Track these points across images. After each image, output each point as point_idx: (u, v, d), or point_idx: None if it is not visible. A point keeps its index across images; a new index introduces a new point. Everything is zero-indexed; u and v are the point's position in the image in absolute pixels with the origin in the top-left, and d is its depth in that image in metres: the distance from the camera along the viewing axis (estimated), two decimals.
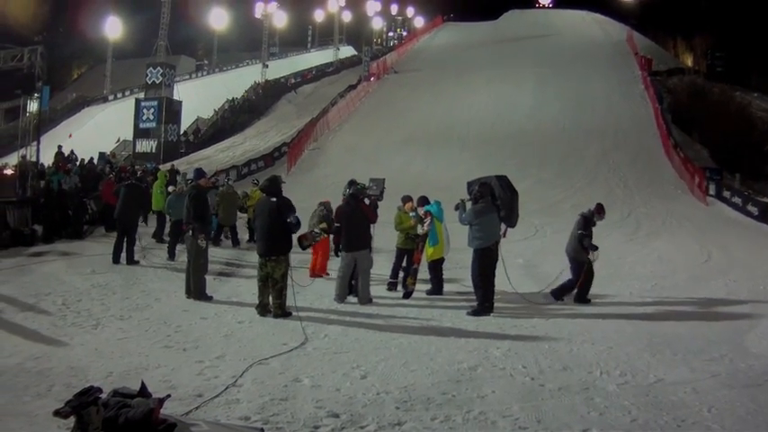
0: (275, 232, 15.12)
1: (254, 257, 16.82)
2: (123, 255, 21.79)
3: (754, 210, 38.27)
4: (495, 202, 16.29)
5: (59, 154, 43.16)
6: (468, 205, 16.74)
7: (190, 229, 17.09)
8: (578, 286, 17.69)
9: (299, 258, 20.41)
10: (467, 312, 15.74)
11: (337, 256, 17.71)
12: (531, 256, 25.32)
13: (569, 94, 67.66)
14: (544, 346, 12.71)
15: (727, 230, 33.26)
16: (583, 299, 17.57)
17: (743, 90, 78.35)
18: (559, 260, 19.33)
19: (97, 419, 6.35)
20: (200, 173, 18.72)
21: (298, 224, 15.16)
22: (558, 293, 17.83)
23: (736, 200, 41.05)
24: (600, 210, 18.34)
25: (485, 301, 15.88)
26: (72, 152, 42.52)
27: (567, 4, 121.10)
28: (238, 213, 27.38)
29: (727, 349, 12.68)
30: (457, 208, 16.97)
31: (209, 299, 16.50)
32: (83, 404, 6.51)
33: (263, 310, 15.19)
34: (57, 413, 6.56)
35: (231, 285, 18.99)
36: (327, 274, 20.77)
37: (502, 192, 16.57)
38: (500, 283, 16.67)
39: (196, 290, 16.62)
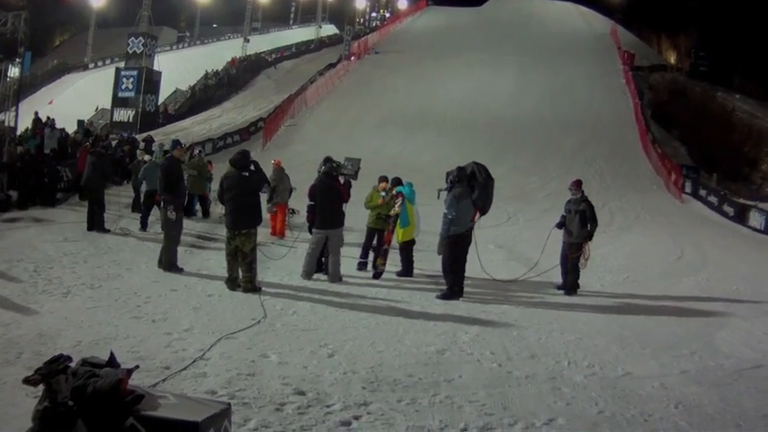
0: (246, 206, 15.27)
1: (224, 229, 16.87)
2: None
3: (729, 210, 38.53)
4: (470, 184, 16.20)
5: (36, 120, 42.93)
6: (443, 195, 16.81)
7: (161, 200, 17.15)
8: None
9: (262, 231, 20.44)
10: (436, 296, 15.69)
11: (310, 233, 17.63)
12: (503, 242, 25.36)
13: (550, 83, 67.85)
14: (513, 333, 12.73)
15: (701, 229, 33.45)
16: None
17: (725, 91, 78.60)
18: (532, 247, 19.39)
19: (66, 388, 6.35)
20: (175, 143, 18.71)
21: (268, 199, 15.59)
22: (571, 286, 17.80)
23: (712, 199, 41.36)
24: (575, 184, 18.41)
25: (454, 285, 15.83)
26: (49, 118, 42.29)
27: None
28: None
29: (697, 346, 12.69)
30: (439, 197, 17.06)
31: (179, 271, 16.44)
32: (52, 372, 6.52)
33: (232, 284, 15.21)
34: (26, 381, 6.57)
35: (201, 258, 18.91)
36: (284, 237, 22.12)
37: (479, 174, 16.59)
38: (471, 268, 16.73)
39: (166, 261, 16.56)
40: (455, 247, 15.91)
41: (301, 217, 23.50)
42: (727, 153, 58.52)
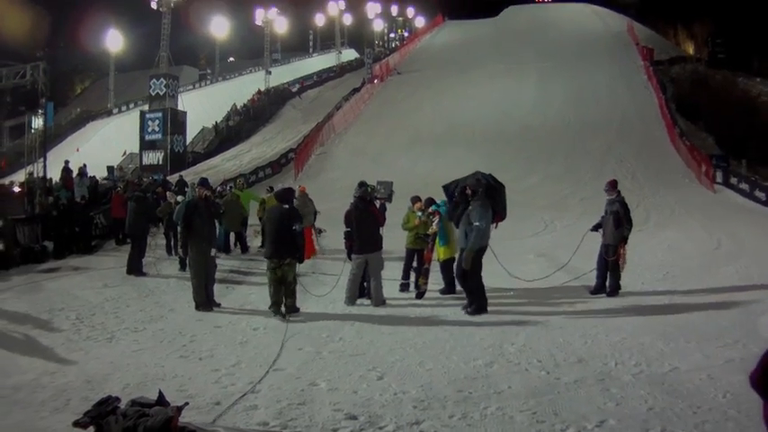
0: (285, 237, 15.76)
1: (264, 263, 16.88)
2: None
3: (761, 195, 38.33)
4: (488, 195, 16.08)
5: (66, 170, 43.12)
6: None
7: (182, 240, 17.29)
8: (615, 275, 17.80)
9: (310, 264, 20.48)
10: (466, 312, 15.61)
11: (350, 259, 17.62)
12: (543, 251, 25.25)
13: (572, 87, 67.53)
14: (558, 340, 12.75)
15: (735, 217, 33.13)
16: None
17: (745, 75, 78.18)
18: (571, 252, 19.27)
19: (116, 429, 6.37)
20: (202, 182, 18.72)
21: (301, 233, 15.79)
22: (613, 288, 17.71)
23: (744, 186, 41.10)
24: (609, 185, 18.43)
25: (482, 297, 15.73)
26: (80, 168, 42.45)
27: None
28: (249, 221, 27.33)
29: (740, 334, 12.75)
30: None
31: (210, 309, 16.55)
32: (102, 414, 6.54)
33: (276, 307, 15.79)
34: (76, 424, 6.58)
35: (242, 293, 18.98)
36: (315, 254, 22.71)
37: (493, 182, 16.53)
38: (516, 280, 16.74)
39: (196, 300, 16.67)
40: (478, 259, 15.71)
41: (331, 239, 23.57)
42: (755, 137, 58.16)
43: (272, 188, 29.01)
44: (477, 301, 15.64)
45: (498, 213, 16.34)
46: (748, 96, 69.14)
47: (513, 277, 17.74)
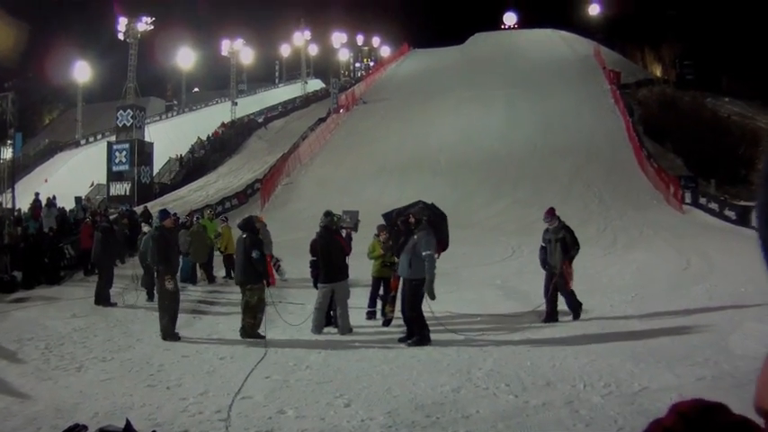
0: (248, 263, 16.33)
1: (230, 293, 17.02)
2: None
3: (731, 214, 38.62)
4: (431, 224, 16.07)
5: (36, 201, 43.04)
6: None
7: (156, 270, 17.31)
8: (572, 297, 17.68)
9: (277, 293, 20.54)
10: (407, 343, 15.29)
11: (315, 288, 17.68)
12: (508, 277, 25.27)
13: (539, 112, 67.81)
14: (526, 364, 12.76)
15: (705, 237, 33.32)
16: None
17: (714, 96, 78.74)
18: (537, 279, 19.35)
19: None
20: (164, 214, 18.75)
21: (259, 259, 16.04)
22: (575, 310, 17.63)
23: (713, 206, 41.47)
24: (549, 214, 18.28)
25: (424, 328, 15.50)
26: (49, 199, 42.32)
27: (532, 24, 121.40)
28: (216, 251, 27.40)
29: (711, 353, 12.79)
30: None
31: (176, 338, 16.48)
32: None
33: (244, 331, 16.31)
34: None
35: (209, 322, 18.95)
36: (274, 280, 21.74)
37: (436, 211, 16.68)
38: (483, 305, 16.80)
39: (162, 330, 16.60)
40: (419, 290, 15.47)
41: (297, 268, 23.65)
42: (724, 158, 58.52)
43: (226, 218, 29.37)
44: (419, 332, 15.46)
45: (441, 242, 16.41)
46: (717, 116, 69.59)
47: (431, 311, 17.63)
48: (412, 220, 15.93)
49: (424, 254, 15.28)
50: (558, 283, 17.49)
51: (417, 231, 15.64)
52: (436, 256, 15.94)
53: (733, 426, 1.82)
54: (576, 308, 17.54)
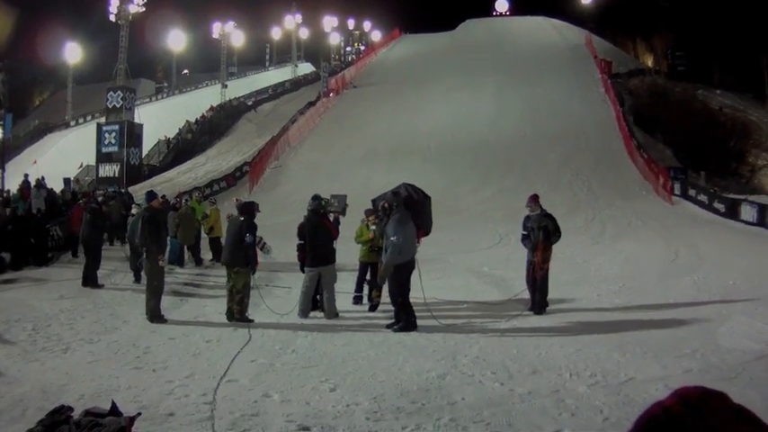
0: (238, 246, 16.30)
1: (217, 276, 16.99)
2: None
3: (720, 207, 38.53)
4: (408, 207, 16.05)
5: (25, 182, 42.85)
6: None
7: (145, 251, 17.26)
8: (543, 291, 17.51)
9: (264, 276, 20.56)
10: (393, 329, 15.29)
11: (302, 272, 17.70)
12: (496, 264, 25.20)
13: (529, 100, 67.84)
14: (513, 352, 12.75)
15: (693, 228, 33.32)
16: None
17: (705, 88, 78.92)
18: (525, 267, 19.34)
19: None
20: (151, 195, 18.72)
21: (251, 244, 16.07)
22: (541, 305, 17.30)
23: (702, 198, 41.39)
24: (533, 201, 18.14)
25: (410, 315, 15.49)
26: (38, 179, 42.10)
27: (524, 11, 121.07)
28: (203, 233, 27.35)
29: (698, 344, 12.81)
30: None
31: (163, 321, 16.43)
32: (55, 423, 6.59)
33: (230, 314, 16.33)
34: None
35: (196, 305, 18.91)
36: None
37: (416, 195, 16.66)
38: (470, 292, 16.79)
39: (150, 312, 16.55)
40: (402, 276, 15.47)
41: (284, 252, 23.60)
42: (714, 150, 58.53)
43: (214, 200, 29.32)
44: (406, 319, 15.43)
45: (421, 228, 16.43)
46: (708, 108, 69.69)
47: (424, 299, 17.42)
48: (386, 205, 16.00)
49: (390, 239, 15.32)
50: (539, 278, 17.32)
51: (391, 216, 15.66)
52: (417, 241, 16.04)
53: (730, 411, 1.88)
54: (543, 305, 17.23)
